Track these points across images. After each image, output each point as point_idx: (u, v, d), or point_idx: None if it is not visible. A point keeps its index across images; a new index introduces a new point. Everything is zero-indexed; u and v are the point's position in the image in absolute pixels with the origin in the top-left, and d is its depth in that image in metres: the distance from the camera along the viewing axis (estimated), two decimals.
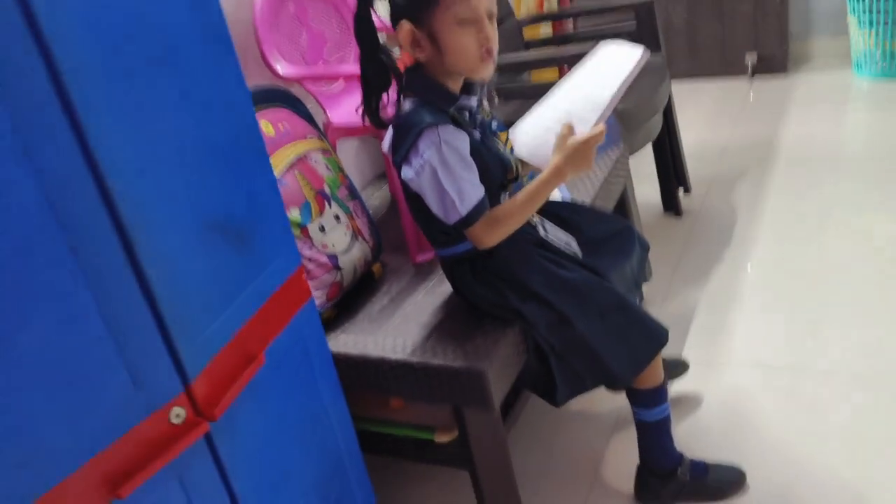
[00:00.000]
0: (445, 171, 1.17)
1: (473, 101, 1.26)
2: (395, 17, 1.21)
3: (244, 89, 1.04)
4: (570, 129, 1.25)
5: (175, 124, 0.90)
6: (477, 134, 1.25)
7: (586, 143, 1.23)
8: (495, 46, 1.21)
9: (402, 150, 1.20)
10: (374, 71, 1.23)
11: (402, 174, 1.22)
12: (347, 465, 1.23)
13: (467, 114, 1.26)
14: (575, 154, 1.23)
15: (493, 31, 1.20)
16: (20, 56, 0.71)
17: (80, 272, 0.77)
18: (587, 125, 1.25)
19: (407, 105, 1.22)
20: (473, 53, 1.19)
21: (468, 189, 1.19)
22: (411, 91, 1.23)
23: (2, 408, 0.71)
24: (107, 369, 0.81)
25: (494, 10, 1.21)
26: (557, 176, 1.24)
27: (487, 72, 1.21)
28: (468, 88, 1.26)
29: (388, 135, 1.28)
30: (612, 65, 1.33)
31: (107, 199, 0.80)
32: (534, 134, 1.34)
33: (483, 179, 1.22)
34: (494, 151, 1.26)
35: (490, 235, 1.23)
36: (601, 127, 1.24)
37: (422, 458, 1.45)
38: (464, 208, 1.19)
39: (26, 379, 0.73)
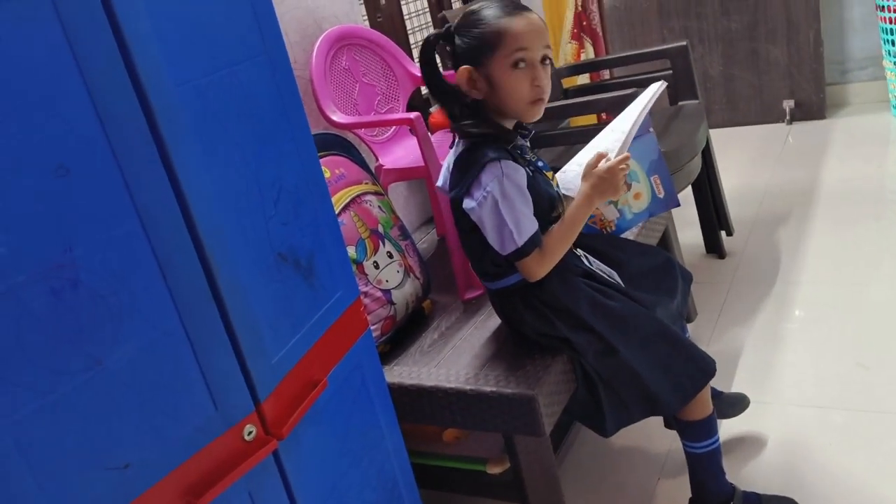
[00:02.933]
0: (506, 204, 1.24)
1: (526, 141, 1.35)
2: (457, 63, 1.30)
3: (309, 137, 1.13)
4: (598, 159, 1.33)
5: (252, 166, 0.99)
6: (529, 171, 1.32)
7: (610, 171, 1.30)
8: (547, 92, 1.30)
9: (465, 183, 1.27)
10: (439, 92, 1.34)
11: (464, 205, 1.28)
12: (403, 492, 1.26)
13: (520, 153, 1.33)
14: (600, 182, 1.31)
15: (545, 78, 1.29)
16: (122, 102, 0.80)
17: (169, 297, 0.85)
18: (612, 153, 1.34)
19: (462, 145, 1.31)
20: (525, 97, 1.28)
21: (525, 222, 1.25)
22: (468, 132, 1.31)
23: (95, 420, 0.78)
24: (190, 387, 0.87)
25: (550, 54, 1.31)
26: (587, 203, 1.32)
27: (536, 115, 1.30)
28: (520, 129, 1.35)
29: (443, 172, 1.36)
30: (637, 102, 1.43)
31: (192, 231, 0.88)
32: (575, 173, 1.42)
33: (535, 213, 1.28)
34: (544, 188, 1.33)
35: (540, 267, 1.29)
36: (625, 154, 1.32)
37: (474, 491, 1.47)
38: (520, 239, 1.24)
39: (119, 393, 0.80)
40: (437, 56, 1.34)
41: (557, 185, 1.40)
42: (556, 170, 1.50)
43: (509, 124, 1.34)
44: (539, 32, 1.27)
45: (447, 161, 1.36)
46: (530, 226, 1.26)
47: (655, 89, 1.42)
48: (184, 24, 0.89)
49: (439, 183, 1.39)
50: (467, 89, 1.29)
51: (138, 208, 0.81)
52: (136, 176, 0.81)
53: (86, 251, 0.76)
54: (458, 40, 1.30)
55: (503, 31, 1.25)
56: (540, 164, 1.38)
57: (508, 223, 1.24)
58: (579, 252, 1.41)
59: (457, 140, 1.34)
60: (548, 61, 1.30)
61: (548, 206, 1.33)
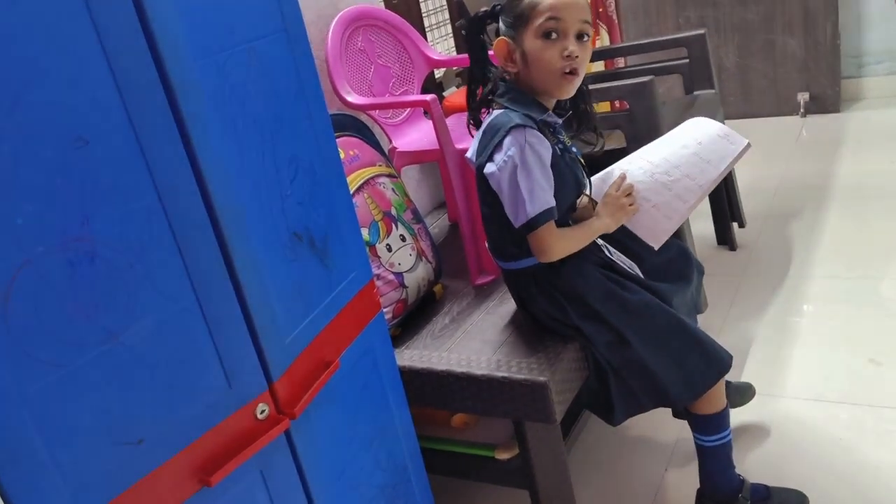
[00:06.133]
0: (523, 171, 1.22)
1: (559, 120, 1.34)
2: (498, 36, 1.32)
3: (326, 115, 1.12)
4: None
5: (269, 143, 0.98)
6: (557, 148, 1.30)
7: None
8: (581, 66, 1.26)
9: (489, 149, 1.26)
10: (479, 71, 1.36)
11: (485, 170, 1.27)
12: (412, 476, 1.26)
13: (550, 131, 1.31)
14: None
15: (581, 52, 1.25)
16: (141, 74, 0.79)
17: (185, 273, 0.84)
18: (686, 203, 1.34)
19: (494, 112, 1.30)
20: (555, 68, 1.24)
21: (540, 193, 1.23)
22: (502, 100, 1.30)
23: (110, 394, 0.77)
24: (204, 364, 0.87)
25: (589, 31, 1.27)
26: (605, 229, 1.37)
27: (568, 90, 1.28)
28: (556, 109, 1.35)
29: (474, 142, 1.35)
30: (712, 147, 1.43)
31: (209, 207, 0.87)
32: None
33: (558, 194, 1.27)
34: (572, 170, 1.31)
35: (552, 246, 1.26)
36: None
37: (482, 476, 1.47)
38: (532, 210, 1.22)
39: (134, 369, 0.79)
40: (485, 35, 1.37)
41: (586, 169, 1.39)
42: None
43: (547, 103, 1.33)
44: (575, 5, 1.24)
45: (477, 134, 1.35)
46: (544, 198, 1.23)
47: (741, 149, 1.43)
48: None
49: (468, 154, 1.38)
50: (503, 63, 1.30)
51: (156, 182, 0.80)
52: (154, 150, 0.80)
53: (103, 224, 0.75)
54: (501, 17, 1.31)
55: (537, 1, 1.25)
56: (574, 149, 1.36)
57: (522, 191, 1.21)
58: (600, 242, 1.40)
59: (490, 109, 1.34)
60: (586, 38, 1.26)
61: (574, 188, 1.31)
